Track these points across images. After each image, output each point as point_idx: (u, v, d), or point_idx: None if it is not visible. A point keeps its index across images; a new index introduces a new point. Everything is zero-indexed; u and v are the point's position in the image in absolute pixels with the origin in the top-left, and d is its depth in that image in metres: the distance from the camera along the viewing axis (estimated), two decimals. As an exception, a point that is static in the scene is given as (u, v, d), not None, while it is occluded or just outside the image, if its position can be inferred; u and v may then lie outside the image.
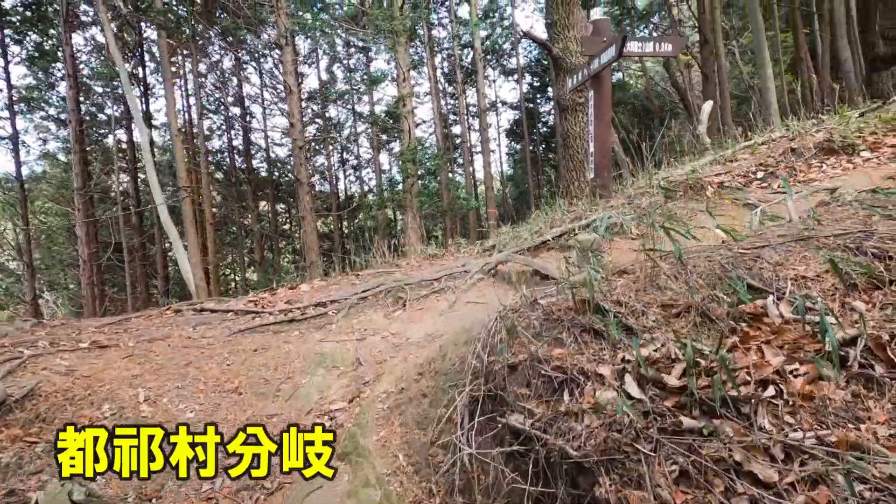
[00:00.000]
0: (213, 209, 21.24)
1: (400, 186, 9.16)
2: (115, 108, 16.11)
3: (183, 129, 19.44)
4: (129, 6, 7.78)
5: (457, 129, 26.47)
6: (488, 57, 25.04)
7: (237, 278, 19.70)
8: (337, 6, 13.30)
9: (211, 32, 16.12)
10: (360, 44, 20.58)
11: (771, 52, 12.19)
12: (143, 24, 7.26)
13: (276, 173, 23.26)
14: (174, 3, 13.00)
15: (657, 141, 5.50)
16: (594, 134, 4.89)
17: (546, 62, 24.06)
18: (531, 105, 25.79)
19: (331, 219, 24.61)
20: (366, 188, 26.44)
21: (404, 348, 3.17)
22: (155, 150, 18.86)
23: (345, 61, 22.34)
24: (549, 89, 26.81)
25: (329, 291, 4.74)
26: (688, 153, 7.88)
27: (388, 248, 7.20)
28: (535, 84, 25.52)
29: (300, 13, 10.27)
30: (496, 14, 21.92)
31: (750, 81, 17.85)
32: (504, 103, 26.79)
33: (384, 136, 22.59)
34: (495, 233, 7.07)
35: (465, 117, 19.18)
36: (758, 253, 1.99)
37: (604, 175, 4.95)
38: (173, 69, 19.36)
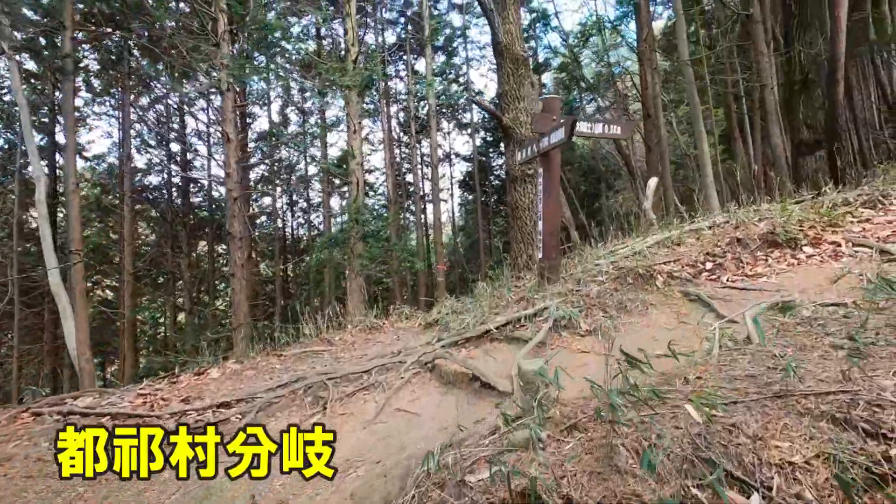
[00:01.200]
0: (145, 249, 19.74)
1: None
2: (40, 138, 14.83)
3: (117, 164, 18.20)
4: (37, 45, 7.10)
5: (410, 177, 26.51)
6: (443, 110, 25.55)
7: (164, 328, 18.07)
8: (293, 52, 13.08)
9: (152, 70, 15.43)
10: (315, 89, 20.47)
11: (704, 125, 12.98)
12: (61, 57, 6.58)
13: (219, 214, 22.17)
14: (111, 34, 12.32)
15: (605, 210, 5.34)
16: (543, 213, 4.66)
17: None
18: (483, 158, 26.35)
19: (275, 261, 23.50)
20: (314, 232, 25.67)
21: (313, 484, 2.60)
22: (82, 184, 17.45)
23: (299, 104, 22.04)
24: (501, 144, 27.70)
25: (241, 381, 4.08)
26: (634, 228, 7.90)
27: (327, 314, 6.61)
28: (488, 139, 26.18)
29: (250, 57, 9.90)
30: (451, 72, 22.59)
31: (686, 149, 19.05)
32: (457, 155, 27.17)
33: (336, 181, 22.16)
34: (440, 302, 6.65)
35: (419, 167, 19.15)
36: (732, 419, 1.64)
37: (552, 256, 4.69)
38: (112, 100, 18.33)
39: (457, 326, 4.89)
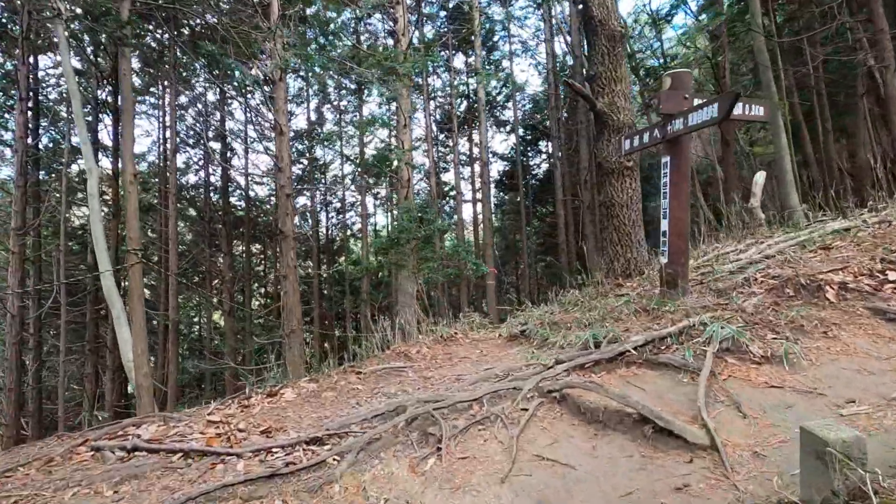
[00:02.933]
0: (181, 248, 19.64)
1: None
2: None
3: (157, 163, 18.11)
4: (93, 27, 6.68)
5: (445, 177, 25.88)
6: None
7: (198, 327, 17.88)
8: (330, 49, 12.55)
9: (197, 64, 15.19)
10: (353, 86, 20.02)
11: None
12: (120, 47, 6.17)
13: (254, 212, 21.97)
14: (156, 30, 12.04)
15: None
16: (669, 211, 3.91)
17: (539, 120, 23.99)
18: (522, 158, 25.52)
19: (310, 263, 23.20)
20: (349, 233, 25.28)
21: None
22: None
23: (335, 102, 21.67)
24: (540, 143, 26.78)
25: (323, 406, 3.46)
26: (729, 228, 7.04)
27: (398, 322, 6.00)
28: (527, 137, 25.34)
29: (305, 42, 9.39)
30: (491, 66, 21.84)
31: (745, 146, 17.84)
32: (494, 154, 26.39)
33: (371, 180, 21.70)
34: (524, 311, 5.95)
35: (458, 166, 18.48)
36: None
37: (681, 262, 3.93)
38: (152, 100, 18.28)
39: (559, 342, 4.20)
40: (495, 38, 20.93)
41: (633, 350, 3.24)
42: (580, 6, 5.36)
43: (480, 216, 26.50)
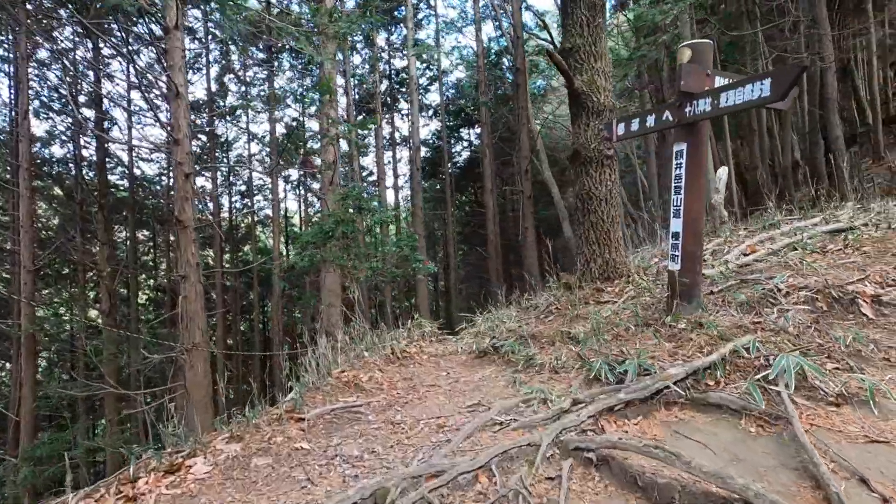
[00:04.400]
0: (46, 235, 16.31)
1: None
2: None
3: (5, 128, 14.68)
4: None
5: (365, 161, 24.41)
6: (402, 89, 23.68)
7: (70, 329, 15.02)
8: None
9: (63, 11, 12.41)
10: (262, 54, 17.81)
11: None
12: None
13: (141, 193, 18.97)
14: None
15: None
16: (685, 208, 3.30)
17: (463, 105, 23.33)
18: (442, 143, 24.82)
19: (210, 253, 20.65)
20: (255, 218, 22.87)
21: None
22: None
23: (240, 72, 19.24)
24: (462, 130, 26.22)
25: (255, 487, 2.37)
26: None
27: (323, 329, 4.89)
28: (450, 123, 24.63)
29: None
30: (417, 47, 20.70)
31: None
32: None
33: (282, 161, 19.66)
34: (484, 319, 5.13)
35: (381, 150, 17.23)
36: None
37: (696, 269, 3.35)
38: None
39: (549, 362, 3.47)
40: (419, 17, 19.81)
41: (674, 385, 2.55)
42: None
43: (403, 203, 25.49)
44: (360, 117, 22.32)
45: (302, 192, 22.46)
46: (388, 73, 21.76)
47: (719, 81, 3.23)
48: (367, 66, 19.86)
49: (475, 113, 22.31)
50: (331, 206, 6.76)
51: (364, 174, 25.18)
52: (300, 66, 16.99)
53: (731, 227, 5.77)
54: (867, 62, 12.56)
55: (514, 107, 13.31)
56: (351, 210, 5.54)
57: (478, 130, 23.32)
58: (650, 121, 3.63)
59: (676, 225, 3.38)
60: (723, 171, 5.87)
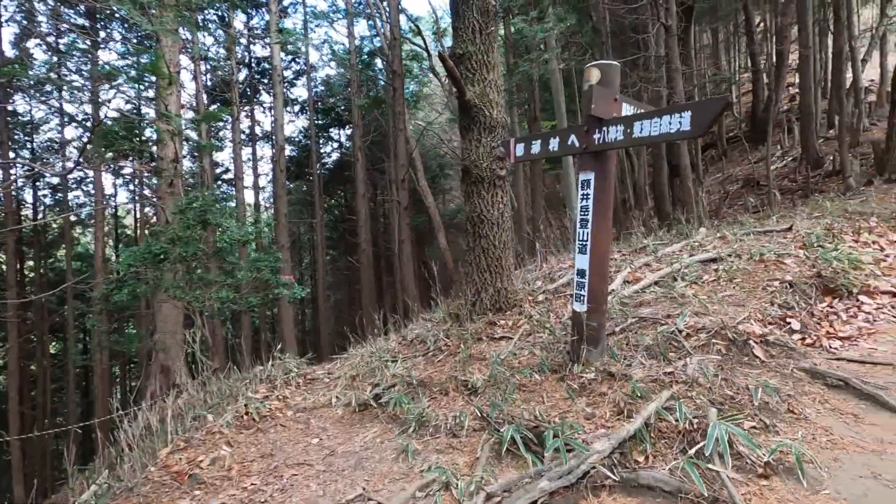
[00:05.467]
0: None
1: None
2: None
3: None
4: None
5: (219, 157, 21.69)
6: (265, 80, 21.57)
7: None
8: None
9: None
10: (82, 20, 14.57)
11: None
12: None
13: None
14: None
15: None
16: (592, 243, 3.00)
17: (332, 104, 22.04)
18: (311, 143, 23.25)
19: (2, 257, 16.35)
20: (73, 218, 18.75)
21: None
22: None
23: (51, 39, 15.58)
24: (332, 130, 24.81)
25: None
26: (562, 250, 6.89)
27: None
28: (318, 121, 23.11)
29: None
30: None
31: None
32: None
33: (110, 154, 16.37)
34: (353, 353, 4.38)
35: (239, 146, 15.24)
36: None
37: (602, 309, 3.07)
38: None
39: (445, 422, 2.93)
40: (285, 3, 18.13)
41: (601, 464, 2.16)
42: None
43: (265, 205, 23.18)
44: (214, 107, 19.74)
45: (140, 188, 19.06)
46: (248, 60, 19.55)
47: (626, 109, 2.99)
48: (222, 51, 17.54)
49: (346, 113, 21.23)
50: (169, 216, 5.40)
51: (219, 171, 22.42)
52: (135, 41, 14.26)
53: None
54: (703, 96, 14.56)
55: (387, 111, 12.70)
56: (192, 225, 4.36)
57: (349, 131, 22.26)
58: (553, 144, 3.29)
59: (582, 262, 3.07)
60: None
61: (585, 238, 3.05)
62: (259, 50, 19.91)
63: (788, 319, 3.33)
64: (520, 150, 3.57)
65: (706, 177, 15.60)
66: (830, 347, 3.10)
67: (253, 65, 20.00)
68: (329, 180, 24.81)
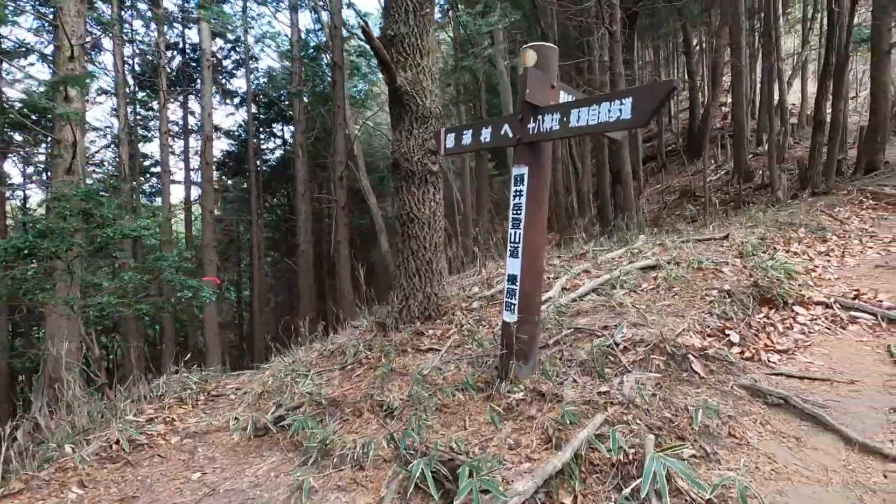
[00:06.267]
0: None
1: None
2: None
3: None
4: None
5: (148, 148, 20.09)
6: (200, 68, 20.26)
7: None
8: None
9: None
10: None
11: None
12: None
13: None
14: None
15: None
16: (525, 245, 2.67)
17: (275, 97, 20.96)
18: (254, 139, 22.08)
19: None
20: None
21: None
22: None
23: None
24: (275, 125, 23.65)
25: None
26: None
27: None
28: (261, 116, 21.96)
29: None
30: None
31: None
32: (218, 129, 21.93)
33: (18, 136, 14.65)
34: (258, 365, 3.83)
35: (167, 136, 14.03)
36: None
37: (534, 320, 2.74)
38: None
39: (353, 451, 2.50)
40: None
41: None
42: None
43: (197, 201, 21.69)
44: (141, 94, 18.22)
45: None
46: (181, 45, 18.24)
47: (564, 97, 2.70)
48: (152, 34, 16.20)
49: (290, 108, 20.28)
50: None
51: (148, 164, 20.74)
52: (47, 11, 12.82)
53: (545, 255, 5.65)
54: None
55: (332, 106, 12.10)
56: (68, 217, 3.64)
57: (292, 128, 21.30)
58: (486, 135, 2.95)
59: (514, 266, 2.73)
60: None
61: (518, 240, 2.72)
62: (194, 35, 18.62)
63: (727, 331, 3.15)
64: (450, 140, 3.20)
65: (646, 187, 16.07)
66: (769, 361, 2.93)
67: (188, 51, 18.69)
68: (272, 178, 23.61)
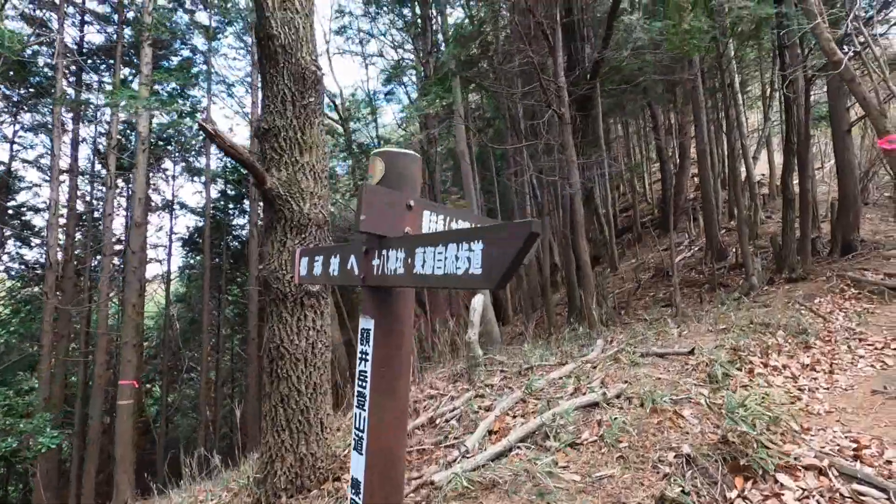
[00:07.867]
0: None
1: None
2: None
3: None
4: None
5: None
6: (168, 147, 20.10)
7: None
8: None
9: None
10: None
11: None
12: None
13: None
14: None
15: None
16: (370, 435, 1.79)
17: (242, 175, 20.69)
18: (221, 215, 21.59)
19: None
20: None
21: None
22: None
23: None
24: (246, 201, 23.25)
25: None
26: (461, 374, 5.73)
27: None
28: (229, 191, 21.59)
29: None
30: (186, 103, 17.61)
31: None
32: (184, 206, 21.46)
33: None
34: None
35: (110, 219, 13.24)
36: None
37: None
38: None
39: None
40: (193, 70, 17.17)
41: None
42: (257, 17, 3.19)
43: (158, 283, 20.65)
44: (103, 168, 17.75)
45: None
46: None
47: (427, 223, 1.94)
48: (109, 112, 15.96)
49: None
50: None
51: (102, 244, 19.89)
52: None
53: (486, 369, 4.76)
54: (601, 186, 14.72)
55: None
56: None
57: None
58: (334, 266, 2.16)
59: (357, 467, 1.83)
60: (478, 301, 4.95)
61: (362, 427, 1.84)
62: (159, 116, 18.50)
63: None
64: (303, 266, 2.41)
65: (621, 261, 15.49)
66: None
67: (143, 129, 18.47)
68: (241, 256, 22.86)
